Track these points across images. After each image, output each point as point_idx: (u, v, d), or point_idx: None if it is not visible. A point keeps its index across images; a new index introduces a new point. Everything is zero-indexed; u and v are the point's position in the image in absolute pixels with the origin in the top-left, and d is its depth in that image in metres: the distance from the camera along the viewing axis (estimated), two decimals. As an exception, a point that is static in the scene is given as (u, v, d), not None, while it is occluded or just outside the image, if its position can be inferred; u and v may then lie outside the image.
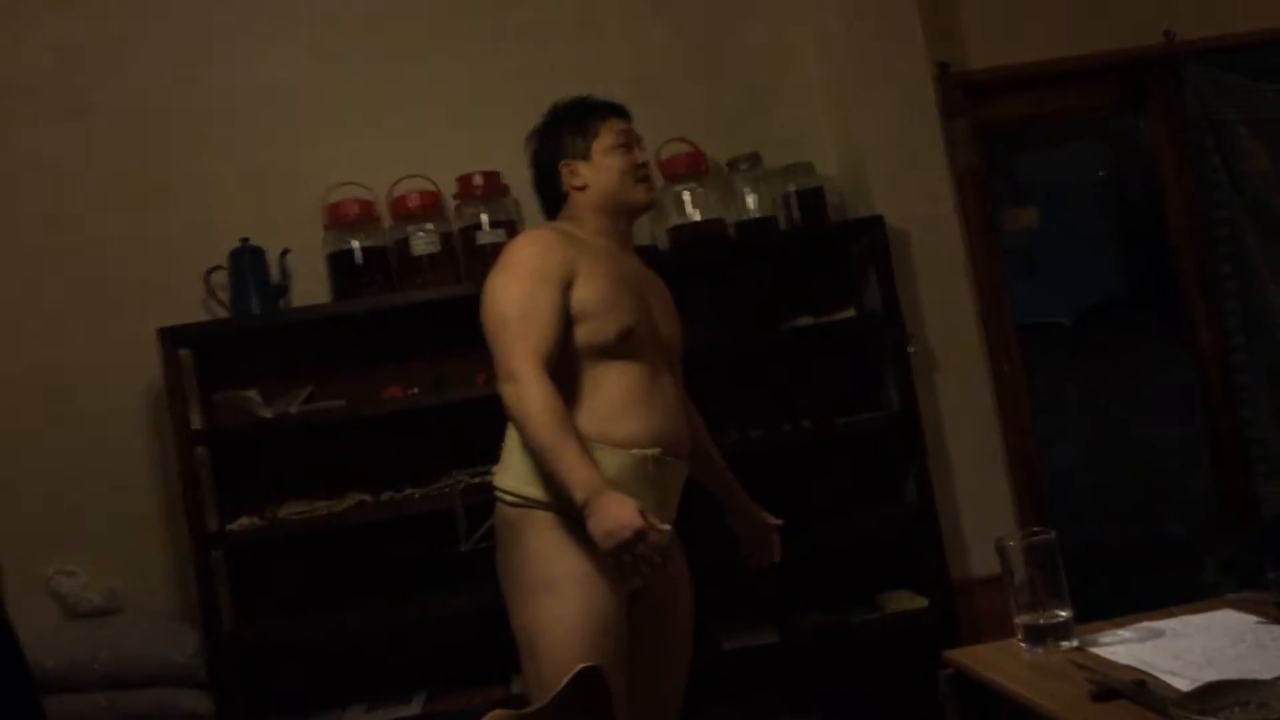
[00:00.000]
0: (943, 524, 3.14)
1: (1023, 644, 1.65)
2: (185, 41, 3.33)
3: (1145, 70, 3.64)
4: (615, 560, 2.00)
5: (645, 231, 3.30)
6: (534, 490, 2.15)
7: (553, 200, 2.39)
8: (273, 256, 3.22)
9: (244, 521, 3.07)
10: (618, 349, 2.18)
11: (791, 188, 3.35)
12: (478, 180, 3.24)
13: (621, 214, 2.34)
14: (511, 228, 3.27)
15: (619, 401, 2.17)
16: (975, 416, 3.28)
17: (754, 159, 3.36)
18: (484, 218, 3.23)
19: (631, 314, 2.21)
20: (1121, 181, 4.62)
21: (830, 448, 3.35)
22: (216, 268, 3.21)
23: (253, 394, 3.11)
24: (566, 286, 2.16)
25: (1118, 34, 3.59)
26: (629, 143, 2.34)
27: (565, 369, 2.15)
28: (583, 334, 2.17)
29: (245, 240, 3.19)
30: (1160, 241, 3.77)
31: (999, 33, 3.57)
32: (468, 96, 3.40)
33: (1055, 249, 4.52)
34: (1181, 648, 1.54)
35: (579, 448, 2.05)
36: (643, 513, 1.99)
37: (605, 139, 2.32)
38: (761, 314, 3.33)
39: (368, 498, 3.13)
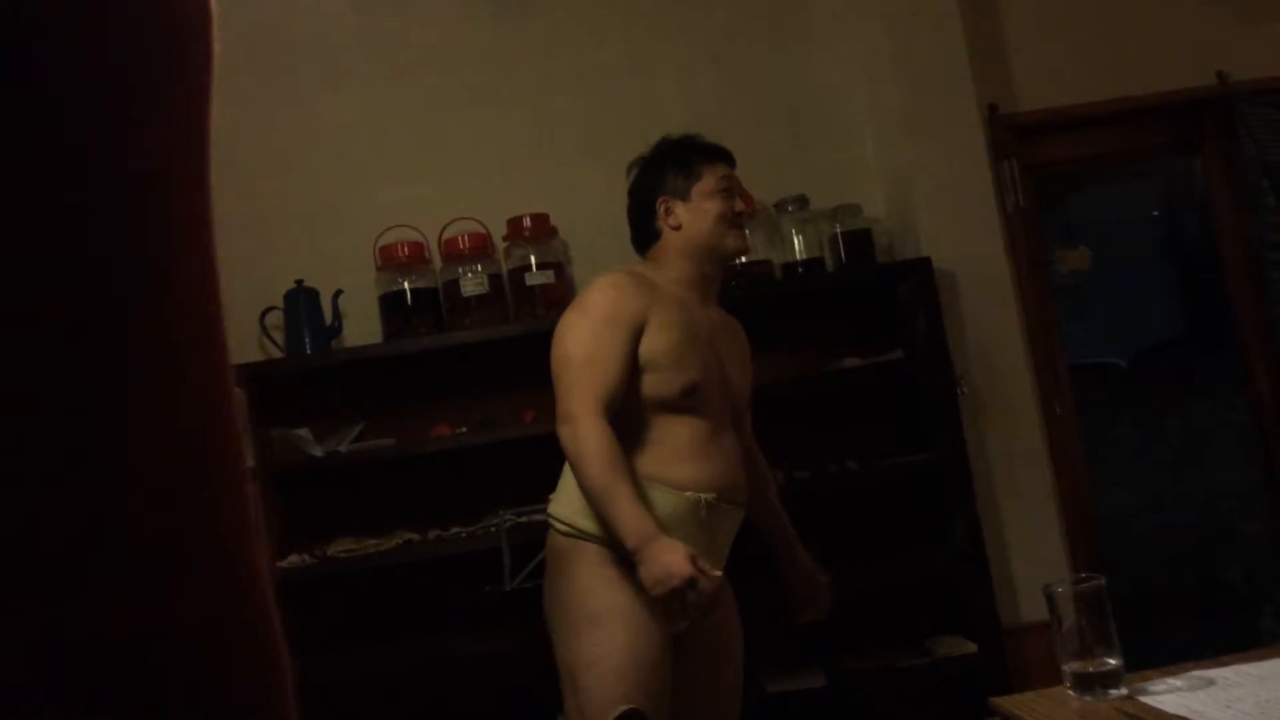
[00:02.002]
0: (993, 568, 3.11)
1: (1071, 691, 1.62)
2: (241, 85, 3.42)
3: (1198, 111, 3.62)
4: (665, 607, 2.01)
5: (692, 272, 3.32)
6: (587, 523, 2.15)
7: (644, 234, 2.38)
8: (326, 297, 3.27)
9: (294, 559, 3.10)
10: (681, 403, 2.18)
11: (839, 229, 3.35)
12: (527, 223, 3.28)
13: (709, 260, 2.32)
14: (559, 269, 3.31)
15: (679, 449, 2.17)
16: (1026, 458, 3.25)
17: (801, 200, 3.37)
18: (532, 259, 3.27)
19: (699, 369, 2.20)
20: (1175, 220, 4.57)
21: (878, 490, 3.32)
22: (271, 308, 3.27)
23: (304, 432, 3.16)
24: (637, 334, 2.16)
25: (1169, 75, 3.57)
26: (730, 189, 2.34)
27: (628, 416, 2.15)
28: (648, 384, 2.17)
29: (300, 281, 3.26)
30: (1216, 282, 3.73)
31: (1048, 74, 3.56)
32: (518, 139, 3.45)
33: (1109, 289, 4.48)
34: (1234, 697, 1.51)
35: (632, 492, 2.05)
36: (694, 559, 1.98)
37: (707, 182, 2.31)
38: (808, 355, 3.33)
39: (415, 536, 3.16)
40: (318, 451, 3.13)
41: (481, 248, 3.29)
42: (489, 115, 3.47)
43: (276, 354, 3.26)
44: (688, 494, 2.15)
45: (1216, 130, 3.62)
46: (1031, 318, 3.40)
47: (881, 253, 3.39)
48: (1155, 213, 4.78)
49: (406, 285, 3.25)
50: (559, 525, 2.21)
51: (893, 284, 3.38)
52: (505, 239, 3.33)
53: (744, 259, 3.29)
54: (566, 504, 2.20)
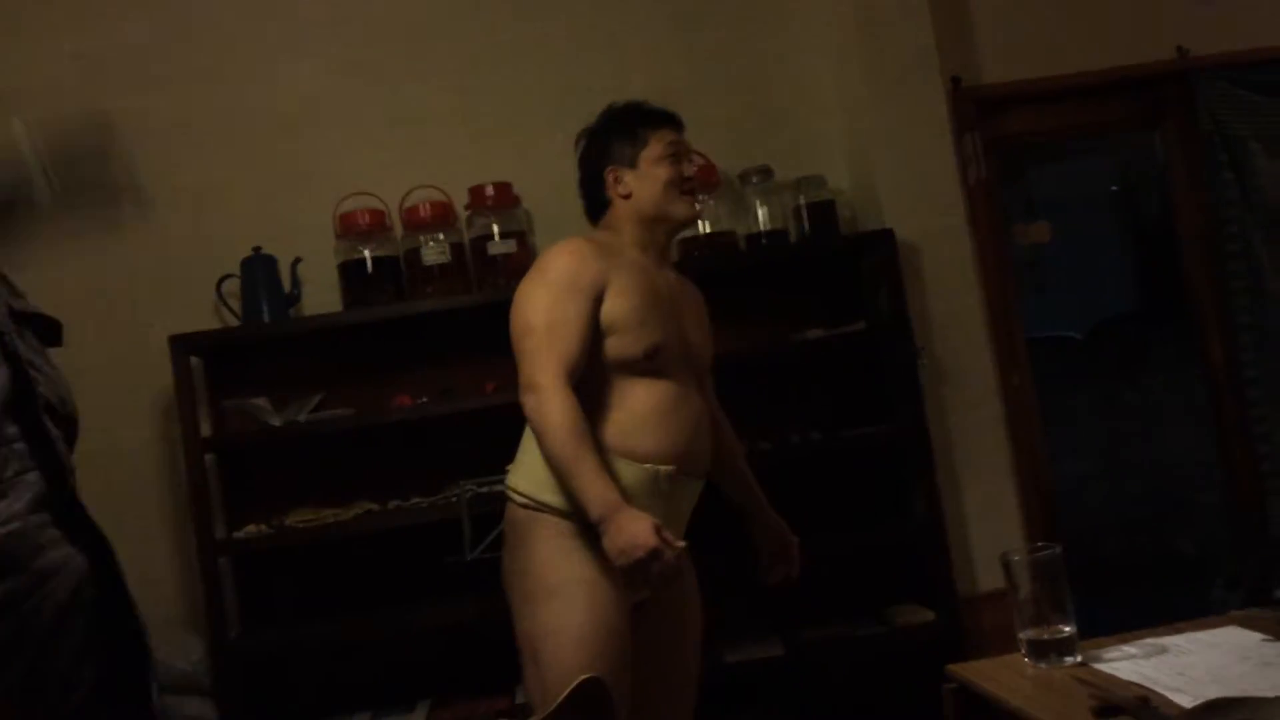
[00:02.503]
0: (951, 537, 3.14)
1: (1027, 659, 1.64)
2: (201, 53, 3.36)
3: (1158, 86, 3.64)
4: (628, 577, 2.01)
5: (655, 243, 3.31)
6: (547, 495, 2.15)
7: (596, 204, 2.37)
8: (284, 265, 3.23)
9: (251, 529, 3.08)
10: (645, 365, 2.18)
11: (802, 200, 3.35)
12: (489, 191, 3.25)
13: (661, 226, 2.31)
14: (522, 238, 3.28)
15: (643, 415, 2.17)
16: (985, 430, 3.27)
17: (765, 172, 3.36)
18: (495, 228, 3.24)
19: (661, 331, 2.20)
20: (1133, 195, 4.61)
21: (838, 460, 3.34)
22: (228, 276, 3.23)
23: (262, 402, 3.12)
24: (597, 299, 2.16)
25: (1130, 50, 3.59)
26: (678, 154, 2.31)
27: (591, 381, 2.15)
28: (611, 348, 2.16)
29: (257, 249, 3.21)
30: (1172, 256, 3.77)
31: (1011, 47, 3.57)
32: (481, 108, 3.41)
33: (1067, 263, 4.51)
34: (1186, 664, 1.54)
35: (597, 462, 2.05)
36: (658, 529, 1.98)
37: (654, 148, 2.30)
38: (771, 326, 3.33)
39: (375, 506, 3.14)
40: (276, 421, 3.10)
41: (443, 216, 3.26)
42: (452, 83, 3.42)
43: (234, 322, 3.22)
44: (647, 466, 2.15)
45: (1176, 105, 3.65)
46: (992, 290, 3.42)
47: (845, 224, 3.40)
48: (1114, 187, 4.81)
49: (367, 253, 3.22)
50: (518, 498, 2.20)
51: (855, 255, 3.39)
52: (467, 208, 3.30)
53: (708, 229, 3.30)
54: (525, 476, 2.19)
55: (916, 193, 3.29)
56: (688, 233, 3.28)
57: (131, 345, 3.22)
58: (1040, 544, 1.70)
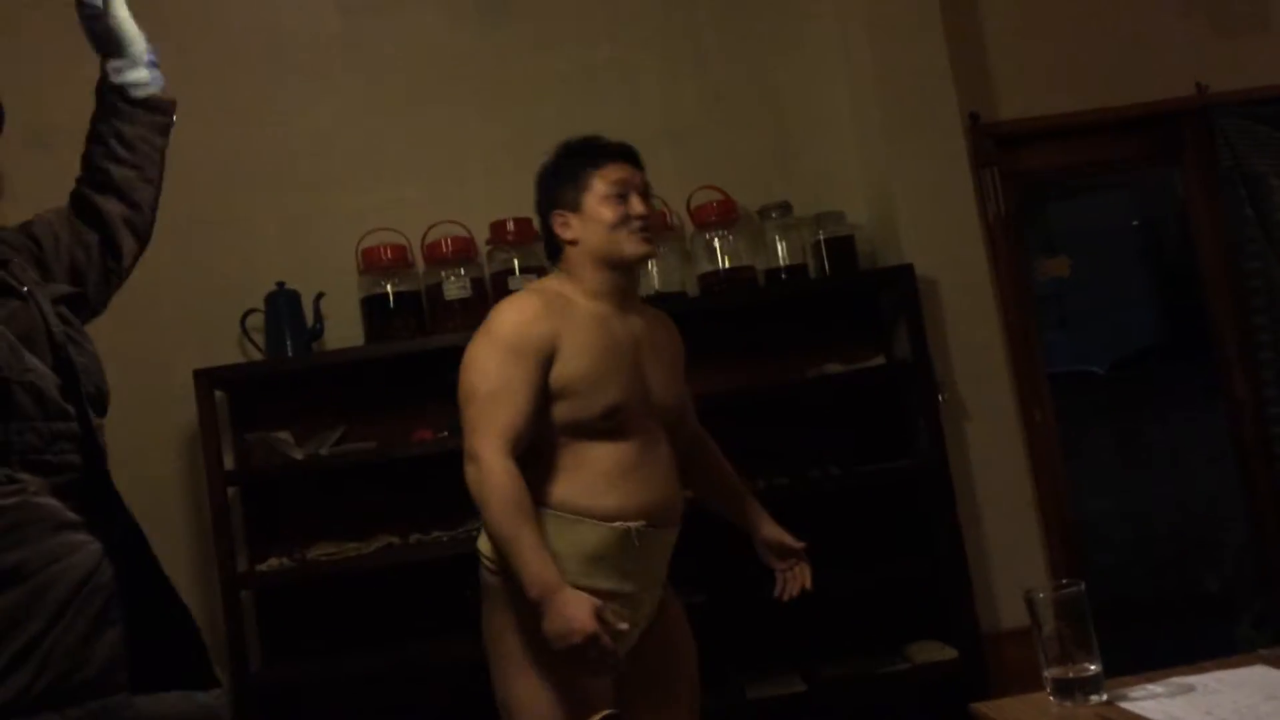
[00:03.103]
0: (973, 574, 3.12)
1: (1051, 698, 1.63)
2: (226, 89, 3.40)
3: (1177, 122, 3.65)
4: (566, 660, 1.94)
5: (675, 278, 3.33)
6: None
7: (550, 247, 2.28)
8: (308, 300, 3.26)
9: (273, 562, 3.09)
10: (602, 425, 2.08)
11: (821, 236, 3.36)
12: (510, 226, 3.28)
13: (616, 269, 2.19)
14: (543, 273, 3.29)
15: (606, 474, 2.08)
16: (1006, 466, 3.26)
17: (784, 207, 3.38)
18: (516, 263, 3.26)
19: (619, 390, 2.10)
20: (1154, 230, 4.61)
21: (859, 495, 3.33)
22: (252, 310, 3.25)
23: (285, 435, 3.14)
24: (546, 362, 2.06)
25: (1149, 86, 3.60)
26: (625, 192, 2.19)
27: (546, 443, 2.07)
28: (565, 411, 2.07)
29: (281, 284, 3.24)
30: (1194, 291, 3.76)
31: (1029, 83, 3.58)
32: (501, 144, 3.45)
33: (1089, 298, 4.50)
34: (1213, 704, 1.52)
35: (537, 539, 1.97)
36: (599, 612, 1.91)
37: (598, 189, 2.18)
38: (791, 361, 3.34)
39: (395, 540, 3.15)
40: (298, 454, 3.11)
41: (464, 251, 3.29)
42: (473, 118, 3.46)
43: (257, 356, 3.24)
44: (616, 525, 2.06)
45: (1195, 141, 3.65)
46: (1012, 325, 3.42)
47: (864, 259, 3.40)
48: (1135, 222, 4.81)
49: (389, 288, 3.24)
50: (487, 562, 2.13)
51: (875, 290, 3.39)
52: (488, 242, 3.32)
53: (727, 264, 3.30)
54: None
55: (936, 228, 3.29)
56: (707, 267, 3.31)
57: (156, 379, 3.25)
58: (1064, 580, 1.69)
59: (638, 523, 2.09)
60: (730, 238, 3.32)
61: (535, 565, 1.94)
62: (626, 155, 2.25)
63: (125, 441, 3.24)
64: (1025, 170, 3.63)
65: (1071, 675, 1.61)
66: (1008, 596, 3.16)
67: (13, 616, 1.32)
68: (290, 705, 3.17)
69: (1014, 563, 3.19)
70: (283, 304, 3.22)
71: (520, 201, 3.31)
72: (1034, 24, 3.61)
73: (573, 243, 2.20)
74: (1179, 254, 3.99)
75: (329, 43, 3.45)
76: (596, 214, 2.18)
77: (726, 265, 3.31)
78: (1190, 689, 1.61)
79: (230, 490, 3.11)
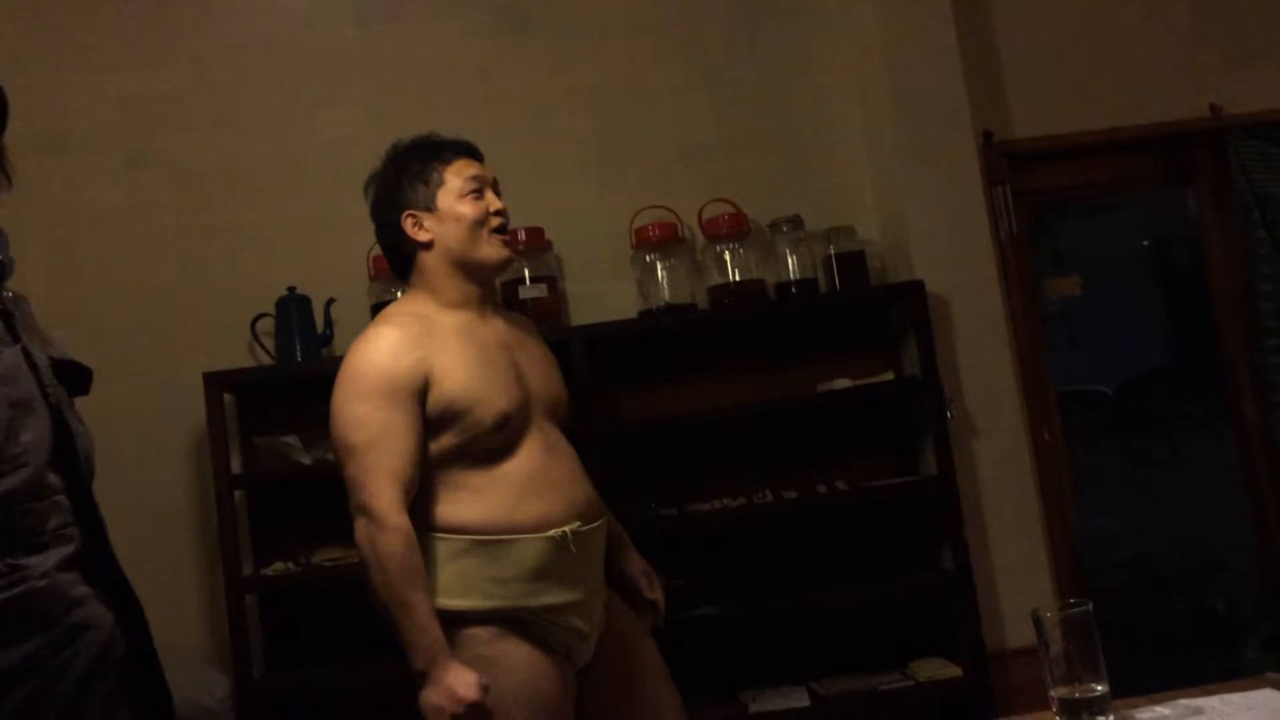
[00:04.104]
0: (979, 592, 3.11)
1: (1057, 718, 1.62)
2: (239, 98, 3.42)
3: (1190, 143, 3.64)
4: None
5: (685, 290, 3.33)
6: (457, 600, 1.97)
7: (398, 257, 2.15)
8: (318, 305, 3.27)
9: (278, 566, 3.09)
10: (500, 439, 1.99)
11: (832, 250, 3.36)
12: (521, 235, 3.28)
13: (475, 273, 2.10)
14: (553, 283, 3.31)
15: (518, 487, 2.00)
16: (1014, 484, 3.25)
17: (795, 221, 3.38)
18: (526, 273, 3.27)
19: (504, 395, 2.00)
20: (1166, 251, 4.61)
21: (865, 511, 3.32)
22: (263, 315, 3.26)
23: (293, 440, 3.14)
24: (421, 395, 1.95)
25: (1162, 107, 3.60)
26: (481, 188, 2.12)
27: (450, 467, 1.98)
28: (456, 435, 1.97)
29: (292, 289, 3.25)
30: (1205, 312, 3.75)
31: (1043, 102, 3.58)
32: (515, 155, 3.44)
33: (1099, 317, 4.50)
34: (1220, 727, 1.51)
35: (428, 605, 1.89)
36: (484, 688, 1.87)
37: (452, 184, 2.09)
38: (799, 375, 3.33)
39: (402, 547, 3.14)
40: (306, 459, 3.12)
41: (475, 260, 3.29)
42: (486, 130, 3.43)
43: (267, 360, 3.25)
44: (550, 534, 1.99)
45: (1208, 163, 3.65)
46: (1022, 343, 3.42)
47: (874, 275, 3.40)
48: (1146, 243, 4.81)
49: (399, 295, 3.24)
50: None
51: (885, 306, 3.39)
52: (499, 252, 3.32)
53: (737, 276, 3.30)
54: (434, 590, 1.97)
55: (947, 245, 3.29)
56: (717, 279, 3.31)
57: (166, 382, 3.26)
58: (1072, 600, 1.68)
59: (571, 525, 2.01)
60: (741, 250, 3.32)
61: (424, 636, 1.88)
62: (474, 152, 2.18)
63: (134, 444, 3.28)
64: (1037, 189, 3.63)
65: (1078, 696, 1.60)
66: (1013, 615, 3.15)
67: (24, 712, 1.27)
68: (293, 710, 3.16)
69: (1020, 581, 3.18)
70: (294, 309, 3.23)
71: (532, 211, 3.34)
72: (1048, 43, 3.61)
73: (427, 245, 2.09)
74: (1190, 275, 3.99)
75: (345, 53, 3.47)
76: (454, 211, 2.08)
77: (737, 278, 3.31)
78: (1198, 711, 1.60)
79: (237, 494, 3.12)
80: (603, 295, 3.39)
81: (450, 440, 1.98)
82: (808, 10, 3.57)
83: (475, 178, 2.12)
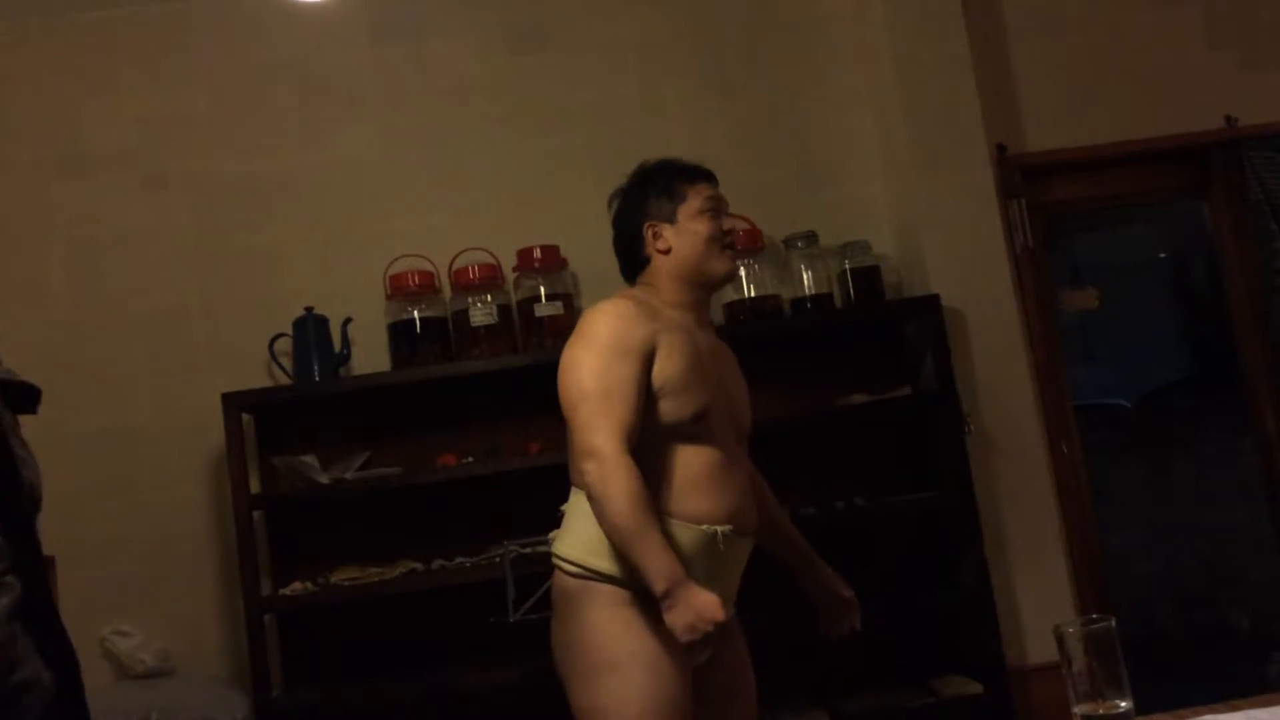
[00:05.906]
0: (999, 608, 3.09)
1: (1081, 734, 1.61)
2: (256, 120, 3.45)
3: (1206, 155, 3.63)
4: (689, 649, 1.96)
5: (701, 306, 3.33)
6: (600, 561, 2.07)
7: (632, 263, 2.32)
8: (335, 325, 3.28)
9: (296, 586, 3.09)
10: (693, 428, 2.12)
11: (847, 265, 3.36)
12: (537, 254, 3.29)
13: (701, 283, 2.26)
14: (568, 301, 3.31)
15: (695, 478, 2.12)
16: (1033, 499, 3.23)
17: (810, 237, 3.38)
18: (542, 290, 3.28)
19: (707, 394, 2.14)
20: (1182, 263, 4.58)
21: (884, 526, 3.31)
22: (281, 335, 3.28)
23: (311, 459, 3.15)
24: (649, 361, 2.09)
25: (1178, 118, 3.59)
26: (717, 209, 2.28)
27: (642, 445, 2.07)
28: (662, 411, 2.10)
29: (309, 309, 3.26)
30: (1223, 324, 3.73)
31: (1057, 115, 3.58)
32: (530, 172, 3.47)
33: (1116, 330, 4.48)
34: (1246, 743, 1.50)
35: (660, 535, 1.98)
36: (726, 609, 1.96)
37: (693, 203, 2.25)
38: (816, 391, 3.33)
39: (419, 565, 3.15)
40: (324, 478, 3.12)
41: (491, 278, 3.30)
42: (502, 147, 3.49)
43: (285, 380, 3.26)
44: (703, 527, 2.09)
45: (1224, 173, 3.63)
46: (1039, 357, 3.40)
47: (890, 290, 3.40)
48: (1162, 255, 4.79)
49: (416, 314, 3.26)
50: (567, 566, 2.13)
51: (901, 321, 3.38)
52: (515, 269, 3.34)
53: (752, 292, 3.31)
54: (575, 543, 2.11)
55: (962, 259, 3.29)
56: (733, 295, 3.31)
57: (185, 402, 3.28)
58: (1094, 616, 1.67)
59: (724, 527, 2.12)
60: (756, 266, 3.33)
61: (663, 559, 1.96)
62: (711, 177, 2.34)
63: (153, 464, 3.29)
64: (1052, 202, 3.62)
65: (1102, 713, 1.59)
66: (1034, 631, 3.13)
67: None
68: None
69: (1040, 596, 3.16)
70: (311, 328, 3.25)
71: (547, 229, 3.35)
72: (1062, 56, 3.61)
73: (664, 253, 2.25)
74: (1207, 287, 3.97)
75: (360, 71, 3.49)
76: (692, 227, 2.24)
77: (752, 294, 3.31)
78: (1223, 727, 1.58)
79: (255, 513, 3.13)
80: (618, 313, 3.39)
81: (652, 416, 2.10)
82: (820, 25, 3.58)
83: (713, 198, 2.29)
